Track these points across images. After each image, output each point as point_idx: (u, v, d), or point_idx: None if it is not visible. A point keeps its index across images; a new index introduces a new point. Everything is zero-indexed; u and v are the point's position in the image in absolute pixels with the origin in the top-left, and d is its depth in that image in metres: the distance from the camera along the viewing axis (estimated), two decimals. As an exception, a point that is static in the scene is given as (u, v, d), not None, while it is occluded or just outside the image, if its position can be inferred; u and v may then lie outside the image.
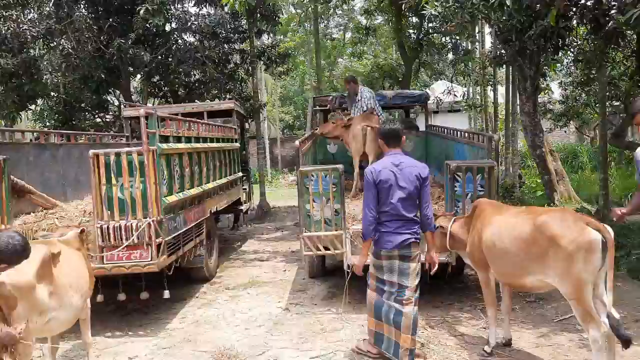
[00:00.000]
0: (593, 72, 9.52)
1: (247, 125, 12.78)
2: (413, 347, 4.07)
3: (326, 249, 5.55)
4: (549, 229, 3.69)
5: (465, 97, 16.77)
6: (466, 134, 7.07)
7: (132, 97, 13.54)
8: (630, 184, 11.18)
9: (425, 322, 5.14)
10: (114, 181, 5.06)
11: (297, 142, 6.23)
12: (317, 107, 10.52)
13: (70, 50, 10.84)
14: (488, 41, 14.86)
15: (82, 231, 4.21)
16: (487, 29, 13.80)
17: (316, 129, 9.11)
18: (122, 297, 5.40)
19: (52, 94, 12.48)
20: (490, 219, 4.23)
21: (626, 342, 3.52)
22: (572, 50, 8.74)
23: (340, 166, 5.55)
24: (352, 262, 4.92)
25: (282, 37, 28.42)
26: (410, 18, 15.11)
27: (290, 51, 18.63)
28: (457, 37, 14.22)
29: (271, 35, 15.45)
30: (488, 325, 4.54)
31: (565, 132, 17.57)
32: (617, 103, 9.74)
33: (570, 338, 4.67)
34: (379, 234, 4.08)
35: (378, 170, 4.08)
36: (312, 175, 5.54)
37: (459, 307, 5.64)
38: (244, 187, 10.17)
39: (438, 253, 4.66)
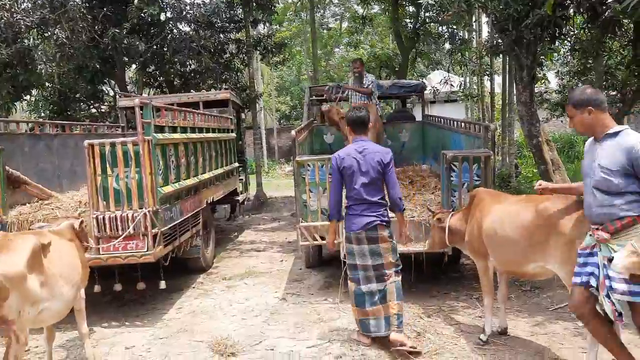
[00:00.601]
0: (590, 61, 9.48)
1: (243, 116, 12.73)
2: (400, 312, 4.23)
3: (323, 239, 5.55)
4: (551, 216, 3.69)
5: (462, 87, 16.70)
6: (463, 124, 7.06)
7: (128, 87, 13.46)
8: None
9: (421, 311, 5.17)
10: (109, 172, 5.05)
11: (293, 132, 6.19)
12: (314, 97, 10.48)
13: (64, 40, 10.74)
14: (485, 31, 14.78)
15: (82, 222, 4.20)
16: (484, 18, 13.71)
17: (314, 120, 9.06)
18: (118, 287, 5.43)
19: (47, 84, 12.39)
20: (490, 207, 4.23)
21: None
22: (568, 39, 8.68)
23: (336, 156, 5.53)
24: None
25: (278, 26, 28.22)
26: (407, 7, 15.03)
27: (286, 41, 18.59)
28: (454, 27, 14.11)
29: (267, 24, 15.32)
30: (484, 314, 4.56)
31: (561, 121, 17.47)
32: (614, 93, 9.69)
33: (565, 326, 4.70)
34: (347, 217, 4.32)
35: (342, 158, 4.30)
36: (309, 166, 5.54)
37: (455, 297, 5.66)
38: (240, 178, 10.16)
39: (438, 249, 4.82)
